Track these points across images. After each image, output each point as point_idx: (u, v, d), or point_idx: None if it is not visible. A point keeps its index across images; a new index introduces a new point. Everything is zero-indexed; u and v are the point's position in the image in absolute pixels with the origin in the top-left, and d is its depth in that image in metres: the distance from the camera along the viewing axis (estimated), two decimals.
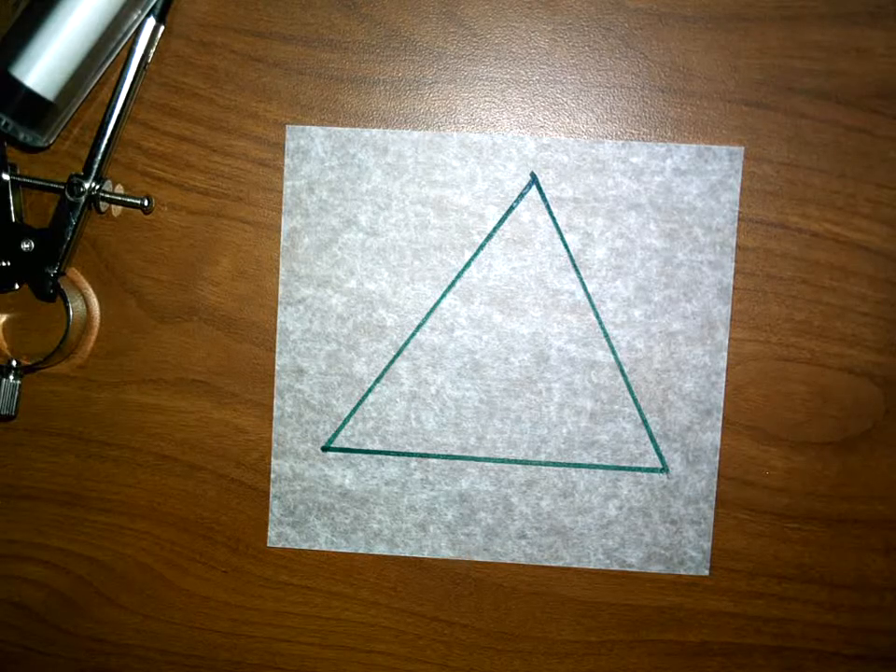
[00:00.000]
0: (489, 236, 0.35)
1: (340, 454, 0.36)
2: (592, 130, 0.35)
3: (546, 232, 0.35)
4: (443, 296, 0.35)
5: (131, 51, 0.34)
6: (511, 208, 0.35)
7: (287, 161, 0.35)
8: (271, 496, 0.36)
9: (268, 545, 0.37)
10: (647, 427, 0.35)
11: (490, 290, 0.35)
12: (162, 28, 0.35)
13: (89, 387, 0.37)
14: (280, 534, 0.36)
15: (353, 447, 0.36)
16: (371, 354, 0.36)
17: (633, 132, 0.35)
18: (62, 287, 0.35)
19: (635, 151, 0.35)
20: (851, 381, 0.35)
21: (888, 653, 0.36)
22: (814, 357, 0.35)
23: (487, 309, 0.35)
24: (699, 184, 0.35)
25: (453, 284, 0.35)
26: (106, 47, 0.34)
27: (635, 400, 0.35)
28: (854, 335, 0.35)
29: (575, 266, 0.35)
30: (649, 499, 0.36)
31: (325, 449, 0.36)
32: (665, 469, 0.36)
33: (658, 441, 0.35)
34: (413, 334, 0.35)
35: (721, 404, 0.35)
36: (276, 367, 0.36)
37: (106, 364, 0.37)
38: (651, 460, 0.36)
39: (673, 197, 0.35)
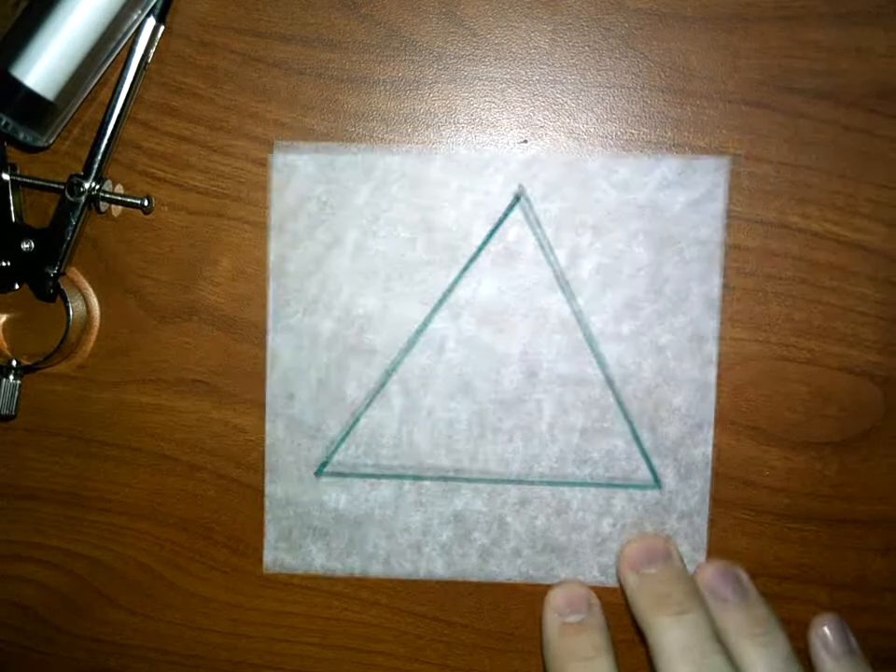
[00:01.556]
0: (475, 254, 0.35)
1: (333, 478, 0.36)
2: (592, 130, 0.35)
3: (533, 249, 0.35)
4: (431, 316, 0.35)
5: (131, 51, 0.34)
6: (498, 225, 0.35)
7: (273, 179, 0.35)
8: (266, 520, 0.36)
9: (264, 571, 0.37)
10: (638, 442, 0.35)
11: (479, 309, 0.35)
12: (162, 28, 0.35)
13: (89, 387, 0.37)
14: (276, 559, 0.36)
15: (346, 471, 0.36)
16: (361, 376, 0.36)
17: (633, 132, 0.35)
18: (62, 286, 0.35)
19: (620, 164, 0.35)
20: (851, 381, 0.35)
21: (887, 653, 0.36)
22: (814, 357, 0.35)
23: (476, 328, 0.35)
24: (685, 196, 0.34)
25: (440, 303, 0.35)
26: (106, 47, 0.34)
27: (626, 416, 0.35)
28: (854, 335, 0.35)
29: (562, 282, 0.35)
30: (643, 515, 0.36)
31: (318, 473, 0.36)
32: (657, 485, 0.35)
33: (650, 456, 0.35)
34: (402, 356, 0.35)
35: (712, 419, 0.35)
36: (267, 392, 0.36)
37: (106, 364, 0.37)
38: (644, 476, 0.35)
39: (659, 210, 0.35)
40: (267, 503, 0.36)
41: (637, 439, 0.35)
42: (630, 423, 0.35)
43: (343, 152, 0.35)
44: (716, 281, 0.35)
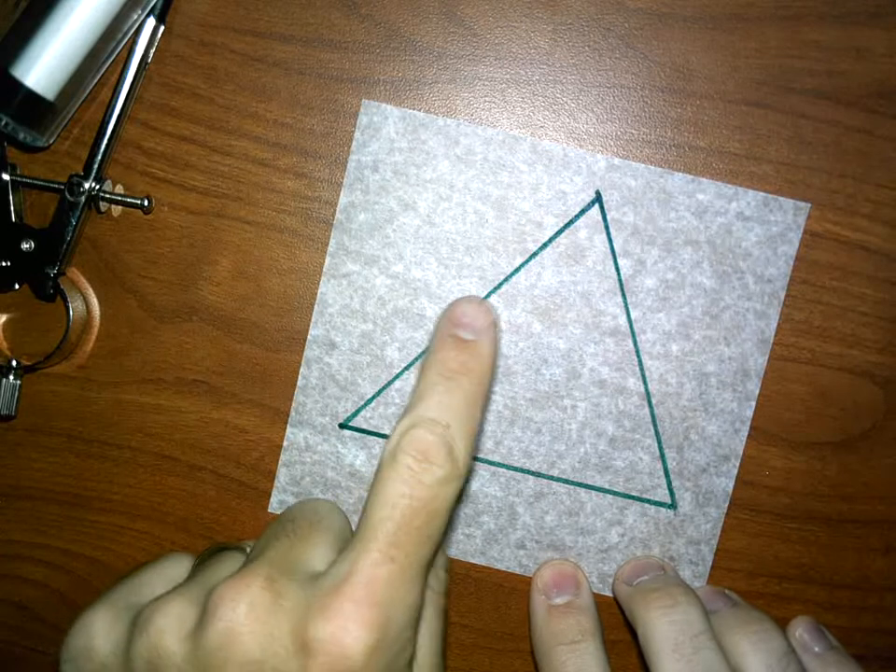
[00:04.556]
0: (543, 245, 0.35)
1: (356, 433, 0.36)
2: (592, 130, 0.35)
3: (600, 252, 0.35)
4: (487, 296, 0.35)
5: (131, 51, 0.34)
6: (571, 222, 0.35)
7: (356, 134, 0.35)
8: (279, 463, 0.36)
9: (268, 511, 0.36)
10: (664, 460, 0.35)
11: (534, 299, 0.35)
12: (162, 28, 0.35)
13: (89, 387, 0.37)
14: (282, 502, 0.36)
15: (371, 429, 0.36)
16: (406, 340, 0.36)
17: (633, 132, 0.35)
18: (62, 286, 0.35)
19: (702, 188, 0.35)
20: (851, 381, 0.35)
21: (887, 653, 0.36)
22: (814, 356, 0.35)
23: (528, 317, 0.35)
24: (759, 232, 0.35)
25: (499, 286, 0.35)
26: (106, 47, 0.34)
27: (657, 433, 0.35)
28: (854, 335, 0.35)
29: (623, 291, 0.35)
30: (652, 532, 0.36)
31: (342, 426, 0.36)
32: (673, 506, 0.35)
33: (672, 476, 0.35)
34: None
35: (741, 452, 0.35)
36: (308, 336, 0.36)
37: (106, 364, 0.37)
38: (662, 494, 0.35)
39: (731, 240, 0.35)
40: (285, 444, 0.36)
41: (662, 456, 0.35)
42: (659, 440, 0.35)
43: (432, 121, 0.35)
44: (773, 320, 0.35)
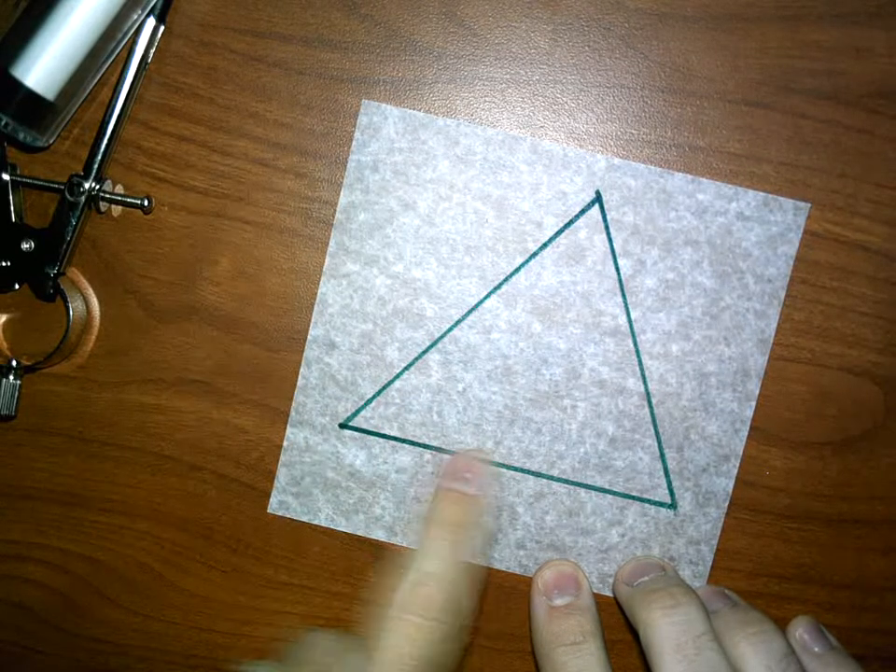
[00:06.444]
0: (543, 245, 0.35)
1: (356, 433, 0.36)
2: (592, 130, 0.35)
3: (600, 252, 0.35)
4: (487, 296, 0.35)
5: (131, 51, 0.34)
6: (571, 222, 0.35)
7: (356, 134, 0.35)
8: (279, 463, 0.36)
9: (268, 511, 0.36)
10: (663, 460, 0.35)
11: (534, 299, 0.35)
12: (162, 28, 0.35)
13: (89, 387, 0.37)
14: (282, 502, 0.36)
15: (371, 429, 0.36)
16: (406, 340, 0.36)
17: (633, 132, 0.35)
18: (62, 286, 0.35)
19: (702, 188, 0.35)
20: (851, 381, 0.35)
21: (887, 653, 0.36)
22: (814, 356, 0.35)
23: (528, 317, 0.35)
24: (759, 232, 0.35)
25: (499, 286, 0.35)
26: (106, 47, 0.34)
27: (657, 433, 0.35)
28: (854, 335, 0.35)
29: (623, 291, 0.35)
30: (652, 532, 0.36)
31: (342, 426, 0.36)
32: (673, 506, 0.35)
33: (672, 476, 0.35)
34: (450, 328, 0.35)
35: (741, 452, 0.35)
36: (308, 336, 0.36)
37: (106, 364, 0.37)
38: (662, 494, 0.35)
39: (731, 240, 0.35)
40: (285, 444, 0.36)
41: (662, 456, 0.35)
42: (659, 440, 0.35)
43: (432, 121, 0.35)
44: (773, 320, 0.35)
